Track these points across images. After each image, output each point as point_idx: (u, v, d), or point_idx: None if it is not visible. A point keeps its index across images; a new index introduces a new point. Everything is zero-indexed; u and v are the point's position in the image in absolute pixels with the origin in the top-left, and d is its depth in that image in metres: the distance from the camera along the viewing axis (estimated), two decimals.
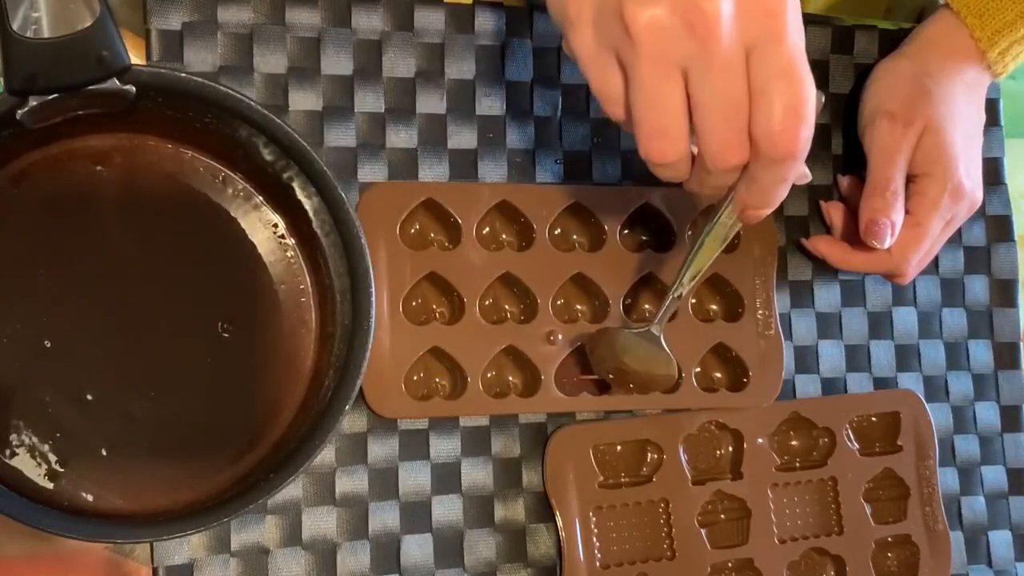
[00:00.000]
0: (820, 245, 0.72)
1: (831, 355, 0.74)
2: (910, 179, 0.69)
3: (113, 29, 0.48)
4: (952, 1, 0.69)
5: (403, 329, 0.64)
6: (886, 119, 0.68)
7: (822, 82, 0.75)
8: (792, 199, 0.73)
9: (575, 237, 0.69)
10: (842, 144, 0.75)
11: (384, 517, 0.64)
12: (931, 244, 0.70)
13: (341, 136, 0.64)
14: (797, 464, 0.72)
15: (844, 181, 0.74)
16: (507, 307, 0.67)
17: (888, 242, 0.67)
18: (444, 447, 0.65)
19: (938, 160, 0.68)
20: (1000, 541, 0.76)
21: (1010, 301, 0.79)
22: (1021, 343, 0.79)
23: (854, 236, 0.71)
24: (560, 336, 0.66)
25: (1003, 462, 0.77)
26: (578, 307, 0.69)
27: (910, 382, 0.75)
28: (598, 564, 0.66)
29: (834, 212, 0.73)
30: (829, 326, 0.74)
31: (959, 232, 0.75)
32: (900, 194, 0.67)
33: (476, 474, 0.66)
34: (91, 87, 0.49)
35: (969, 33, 0.69)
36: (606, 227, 0.68)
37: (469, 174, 0.67)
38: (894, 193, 0.67)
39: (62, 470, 0.54)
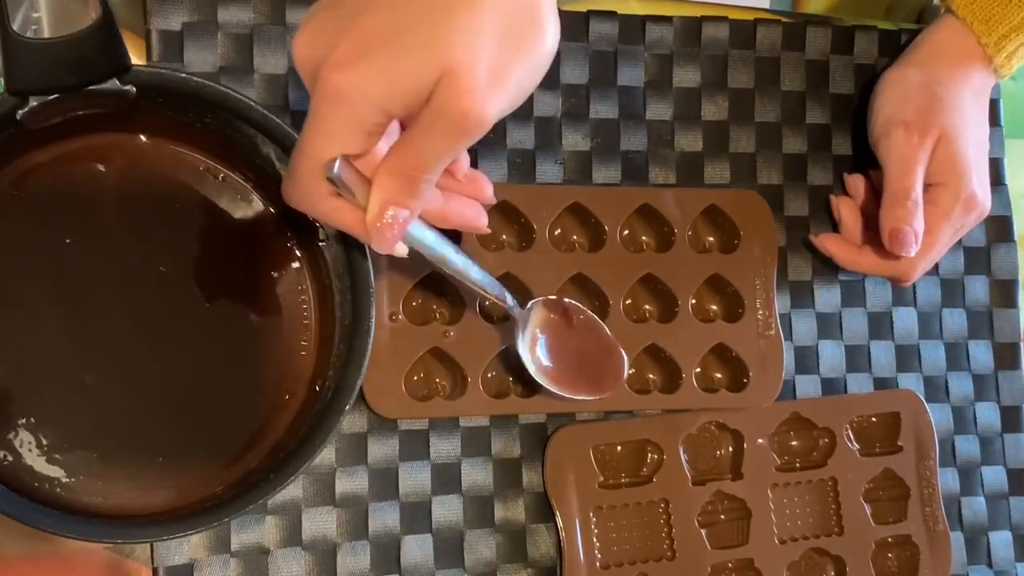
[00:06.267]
0: (829, 244, 0.72)
1: (831, 355, 0.74)
2: (923, 188, 0.69)
3: (114, 29, 0.48)
4: (958, 8, 0.69)
5: (403, 329, 0.64)
6: (901, 128, 0.68)
7: (822, 82, 0.75)
8: (792, 199, 0.73)
9: (575, 237, 0.69)
10: (851, 145, 0.75)
11: (384, 517, 0.64)
12: (939, 251, 0.70)
13: None
14: (797, 464, 0.72)
15: (853, 181, 0.74)
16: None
17: (913, 250, 0.67)
18: (444, 447, 0.65)
19: (952, 170, 0.68)
20: (1000, 541, 0.76)
21: (1010, 301, 0.79)
22: (1021, 343, 0.79)
23: (862, 235, 0.71)
24: None
25: (1003, 462, 0.77)
26: None
27: (910, 382, 0.75)
28: (598, 564, 0.66)
29: (844, 208, 0.73)
30: (829, 326, 0.74)
31: None
32: (920, 202, 0.67)
33: (476, 474, 0.65)
34: (91, 87, 0.49)
35: (976, 39, 0.69)
36: (606, 227, 0.68)
37: None
38: (915, 202, 0.67)
39: (63, 470, 0.54)
